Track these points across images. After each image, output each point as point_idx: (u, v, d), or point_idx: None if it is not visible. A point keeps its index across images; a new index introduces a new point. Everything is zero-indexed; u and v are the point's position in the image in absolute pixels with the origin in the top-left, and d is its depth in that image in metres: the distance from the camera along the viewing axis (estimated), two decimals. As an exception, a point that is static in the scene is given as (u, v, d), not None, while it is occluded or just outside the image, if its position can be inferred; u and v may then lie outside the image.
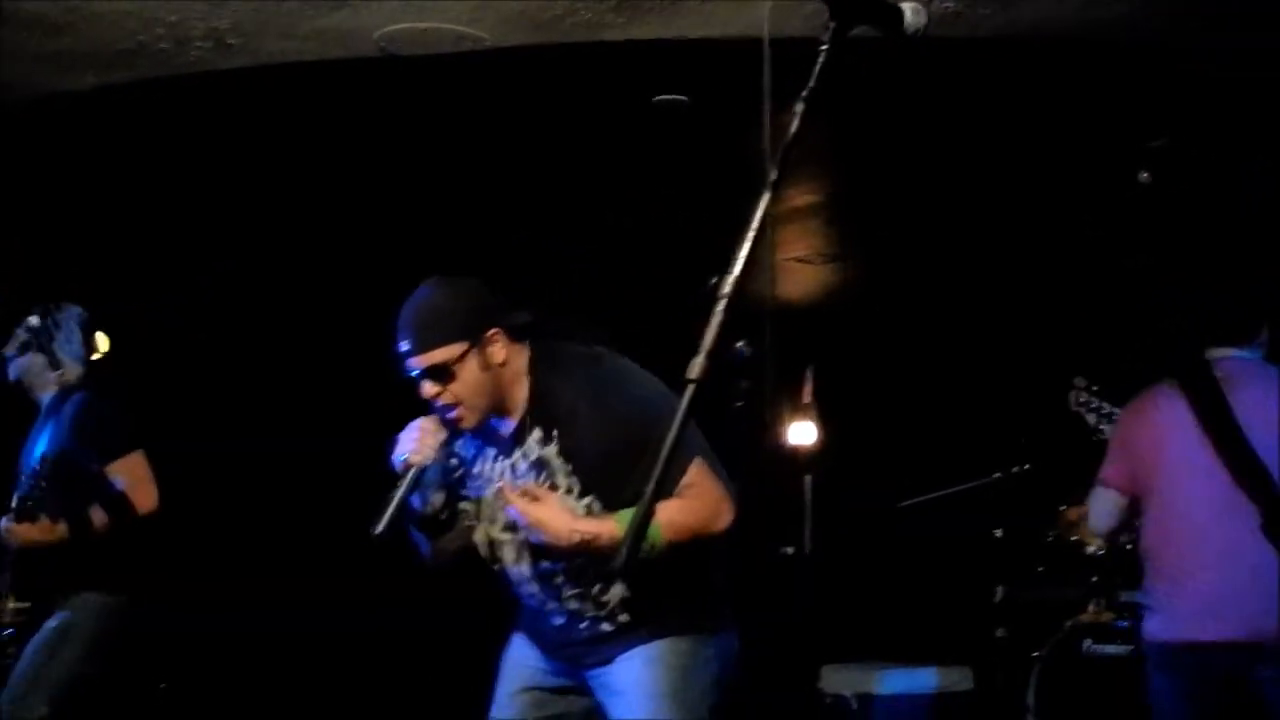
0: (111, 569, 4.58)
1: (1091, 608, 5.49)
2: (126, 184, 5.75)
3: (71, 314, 4.81)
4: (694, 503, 2.98)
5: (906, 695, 6.22)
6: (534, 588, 3.21)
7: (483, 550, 3.26)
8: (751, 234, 2.05)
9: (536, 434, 3.11)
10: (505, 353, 3.08)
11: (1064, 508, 5.70)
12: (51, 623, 4.56)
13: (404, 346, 3.06)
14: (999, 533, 6.01)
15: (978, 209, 6.11)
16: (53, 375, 4.74)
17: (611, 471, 2.99)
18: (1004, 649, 5.89)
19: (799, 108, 1.96)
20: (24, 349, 4.74)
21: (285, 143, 5.40)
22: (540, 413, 3.10)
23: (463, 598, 4.30)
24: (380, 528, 2.95)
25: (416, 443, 3.05)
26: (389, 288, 3.22)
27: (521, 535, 3.14)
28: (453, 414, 3.06)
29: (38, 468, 4.44)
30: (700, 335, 2.05)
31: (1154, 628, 3.86)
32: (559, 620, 3.21)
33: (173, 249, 6.38)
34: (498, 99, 5.00)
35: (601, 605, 3.15)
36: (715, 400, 2.09)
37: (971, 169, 5.65)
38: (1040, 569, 5.85)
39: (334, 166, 5.64)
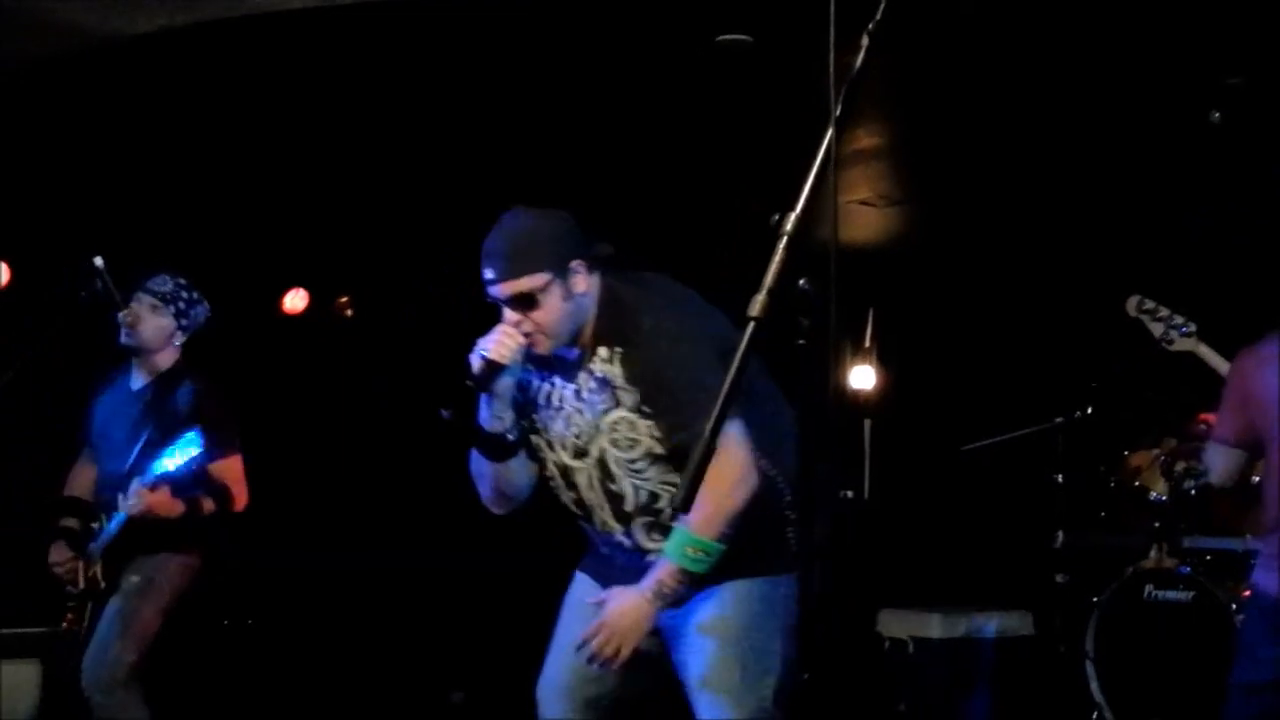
0: (186, 534, 4.75)
1: (1153, 554, 5.45)
2: (180, 132, 5.78)
3: (203, 301, 4.91)
4: (713, 483, 2.77)
5: (965, 640, 6.22)
6: (606, 515, 3.23)
7: (555, 481, 3.29)
8: (815, 170, 2.04)
9: (602, 353, 3.14)
10: (586, 284, 3.12)
11: (1128, 453, 5.66)
12: (134, 578, 4.72)
13: (489, 274, 3.09)
14: (1060, 477, 5.97)
15: (1044, 152, 6.03)
16: (173, 348, 4.82)
17: (666, 392, 3.05)
18: (1064, 594, 5.87)
19: (864, 41, 1.94)
20: (174, 308, 4.80)
21: (346, 86, 5.40)
22: (606, 332, 3.14)
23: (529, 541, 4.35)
24: (449, 412, 3.03)
25: (497, 341, 3.08)
26: (453, 228, 3.25)
27: (593, 459, 3.19)
28: (535, 343, 3.11)
29: (194, 438, 4.51)
30: (762, 273, 2.05)
31: (1268, 583, 3.58)
32: (627, 555, 3.23)
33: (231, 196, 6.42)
34: (559, 40, 4.97)
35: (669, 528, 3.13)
36: (779, 339, 2.09)
37: (1038, 110, 5.56)
38: (1102, 514, 5.81)
39: (395, 111, 5.64)
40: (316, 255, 7.07)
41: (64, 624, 4.80)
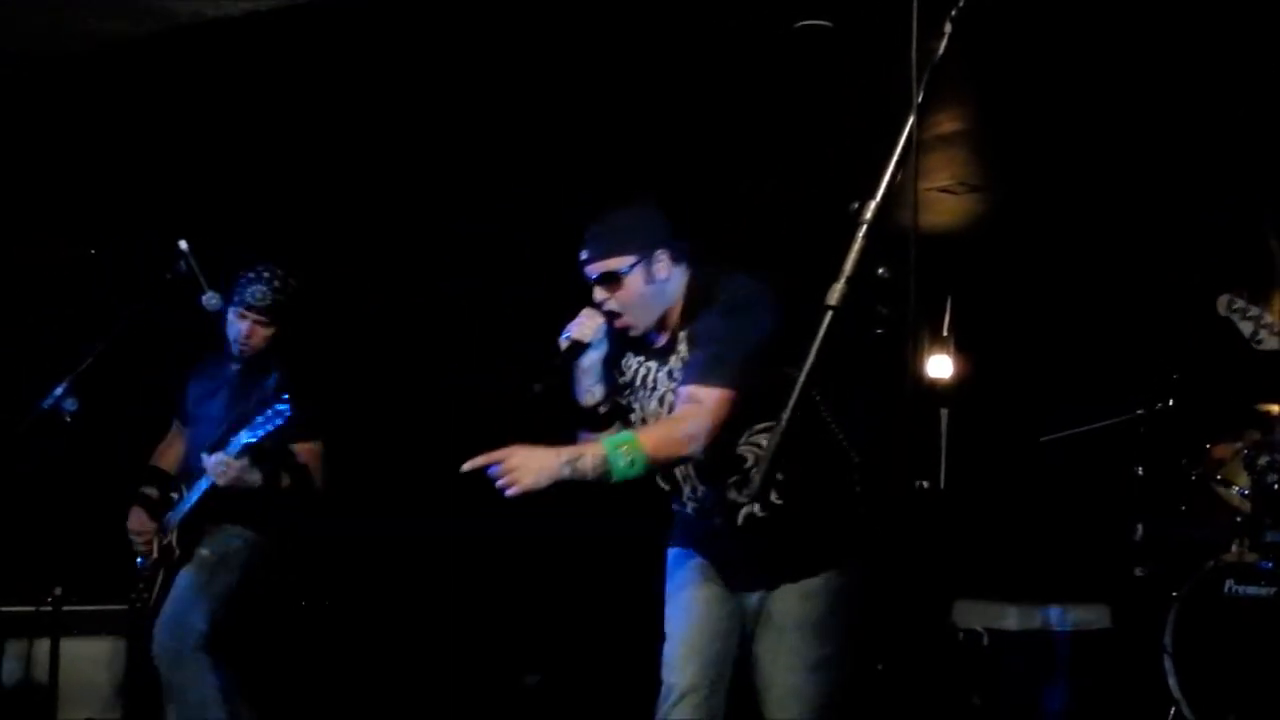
0: (256, 511, 4.84)
1: (1235, 548, 5.37)
2: (262, 115, 5.83)
3: (289, 281, 4.96)
4: (678, 423, 3.30)
5: (1041, 632, 6.16)
6: (695, 484, 3.52)
7: None
8: (895, 158, 2.03)
9: (683, 335, 3.46)
10: (669, 271, 3.45)
11: (1210, 445, 5.58)
12: (204, 551, 4.82)
13: (584, 254, 3.45)
14: (1141, 470, 5.90)
15: (1126, 138, 5.95)
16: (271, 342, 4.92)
17: (695, 348, 3.38)
18: (1143, 588, 5.80)
19: (947, 28, 1.93)
20: (278, 313, 4.87)
21: (433, 69, 5.42)
22: (689, 318, 3.46)
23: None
24: (539, 387, 3.32)
25: (580, 324, 3.43)
26: (533, 210, 3.39)
27: None
28: (619, 321, 3.45)
29: (284, 408, 4.57)
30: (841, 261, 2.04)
31: None
32: (717, 519, 3.50)
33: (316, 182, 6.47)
34: (637, 25, 4.97)
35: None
36: (857, 327, 2.09)
37: (1121, 96, 5.49)
38: (1183, 507, 5.73)
39: (482, 92, 5.66)
40: (397, 239, 7.11)
41: (133, 595, 4.89)
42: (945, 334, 7.42)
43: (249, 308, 4.85)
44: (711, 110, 5.84)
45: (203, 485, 4.72)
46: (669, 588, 3.67)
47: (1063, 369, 7.03)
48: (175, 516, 4.84)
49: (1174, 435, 5.81)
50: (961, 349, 7.57)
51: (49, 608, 5.34)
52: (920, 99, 1.99)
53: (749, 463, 3.42)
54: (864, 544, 3.48)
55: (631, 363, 3.58)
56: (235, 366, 4.97)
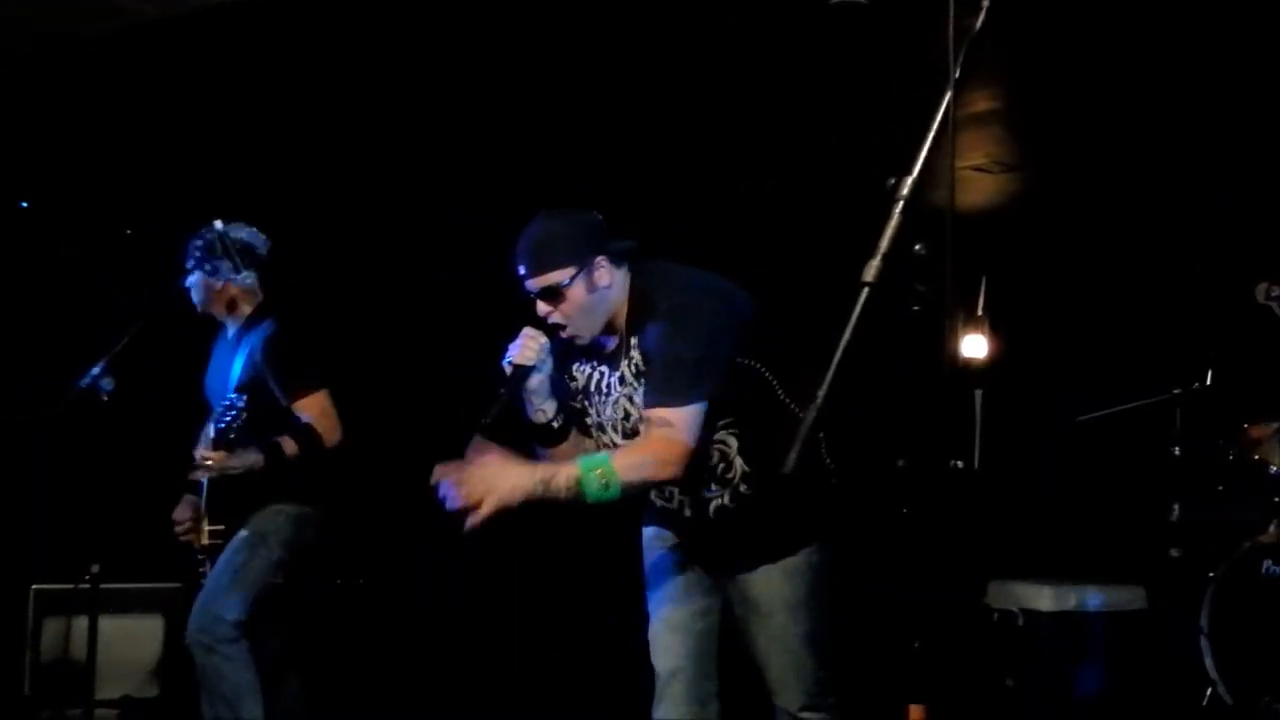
0: (298, 481, 4.70)
1: (1272, 528, 5.34)
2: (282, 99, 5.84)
3: (257, 237, 4.90)
4: (652, 447, 3.27)
5: (1076, 613, 6.13)
6: (661, 484, 3.48)
7: None
8: (931, 134, 2.02)
9: (634, 341, 3.43)
10: (609, 277, 3.41)
11: (1247, 425, 5.54)
12: (243, 531, 4.69)
13: (521, 270, 3.42)
14: (1177, 450, 5.86)
15: (1163, 117, 5.90)
16: (248, 294, 4.84)
17: (650, 363, 3.34)
18: (1179, 568, 5.77)
19: (985, 3, 1.92)
20: (219, 259, 4.79)
21: (432, 60, 5.42)
22: (636, 321, 3.43)
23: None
24: (487, 418, 3.28)
25: (521, 346, 3.39)
26: (532, 204, 3.43)
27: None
28: (565, 333, 3.42)
29: (235, 399, 4.51)
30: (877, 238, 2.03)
31: None
32: (687, 512, 3.52)
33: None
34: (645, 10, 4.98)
35: (726, 481, 3.46)
36: (893, 304, 2.08)
37: (1158, 74, 5.45)
38: (1219, 488, 5.70)
39: (485, 83, 5.66)
40: (397, 228, 7.12)
41: (200, 571, 4.80)
42: (980, 314, 7.39)
43: (186, 270, 4.85)
44: (726, 93, 5.83)
45: (203, 484, 4.69)
46: (647, 569, 3.70)
47: (1098, 349, 7.00)
48: (200, 502, 4.80)
49: (1211, 415, 5.77)
50: (996, 329, 7.53)
51: (87, 585, 5.36)
52: (957, 74, 1.97)
53: (715, 459, 3.43)
54: (840, 516, 3.54)
55: (584, 368, 3.57)
56: (232, 332, 4.90)
